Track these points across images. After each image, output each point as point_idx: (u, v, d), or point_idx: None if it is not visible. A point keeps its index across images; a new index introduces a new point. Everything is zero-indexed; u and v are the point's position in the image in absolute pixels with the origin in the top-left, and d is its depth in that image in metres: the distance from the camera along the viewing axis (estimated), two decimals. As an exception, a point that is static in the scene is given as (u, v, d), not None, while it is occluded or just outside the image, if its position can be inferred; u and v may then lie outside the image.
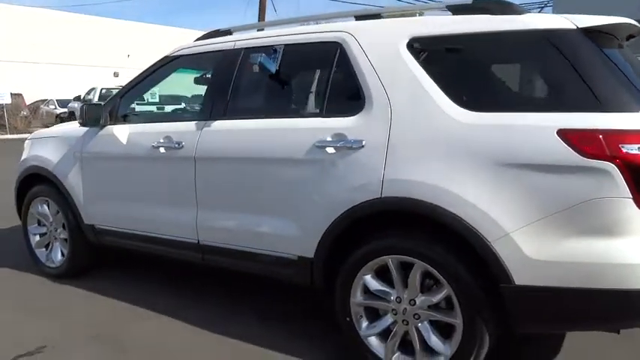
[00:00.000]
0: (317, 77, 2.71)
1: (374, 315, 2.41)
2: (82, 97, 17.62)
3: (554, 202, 1.91)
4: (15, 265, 3.96)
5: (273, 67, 2.62)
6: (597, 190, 1.86)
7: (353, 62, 2.40)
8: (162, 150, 2.94)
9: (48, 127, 16.50)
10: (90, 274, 3.72)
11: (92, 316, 3.08)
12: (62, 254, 3.73)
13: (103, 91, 17.13)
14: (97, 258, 3.76)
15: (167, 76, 3.26)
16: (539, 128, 1.94)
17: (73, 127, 3.64)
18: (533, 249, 1.94)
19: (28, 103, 21.11)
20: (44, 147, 3.70)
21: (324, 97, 2.48)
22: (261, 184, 2.59)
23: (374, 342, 2.38)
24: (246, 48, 2.80)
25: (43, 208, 3.76)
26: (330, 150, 2.34)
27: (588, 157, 1.85)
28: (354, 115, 2.34)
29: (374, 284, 2.32)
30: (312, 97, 2.67)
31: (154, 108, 3.77)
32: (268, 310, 3.10)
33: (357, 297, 2.38)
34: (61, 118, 20.11)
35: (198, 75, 3.73)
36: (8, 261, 4.06)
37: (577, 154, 1.87)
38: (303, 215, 2.46)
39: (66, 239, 3.67)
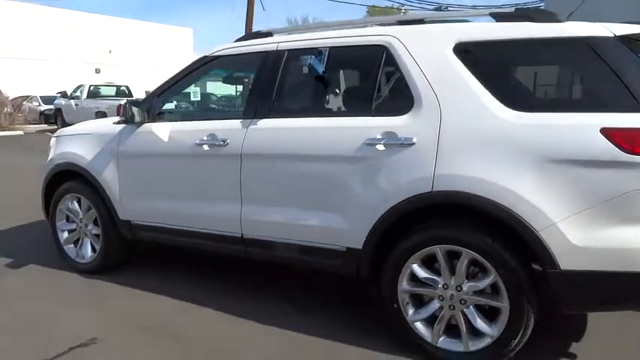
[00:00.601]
0: (363, 78, 2.86)
1: (419, 302, 2.58)
2: (68, 94, 17.36)
3: (598, 193, 2.11)
4: (45, 262, 3.98)
5: (320, 69, 2.75)
6: (637, 182, 2.05)
7: (400, 65, 2.55)
8: (205, 147, 3.04)
9: (32, 124, 16.21)
10: (122, 269, 3.79)
11: (135, 308, 3.17)
12: (93, 250, 3.80)
13: (92, 88, 16.94)
14: (128, 254, 3.83)
15: (204, 76, 3.36)
16: (584, 127, 2.13)
17: (106, 124, 3.71)
18: (578, 236, 2.13)
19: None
20: (75, 144, 3.75)
21: (372, 97, 2.64)
22: (310, 179, 2.73)
23: (420, 327, 2.54)
24: (290, 50, 2.93)
25: (73, 204, 3.81)
26: (380, 147, 2.50)
27: (629, 153, 2.05)
28: (403, 114, 2.50)
29: (421, 272, 2.49)
30: (359, 97, 2.81)
31: (193, 106, 3.85)
32: (311, 301, 3.23)
33: (404, 285, 2.54)
34: (45, 115, 19.76)
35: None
36: (37, 259, 4.08)
37: (619, 150, 2.06)
38: (353, 209, 2.60)
39: (97, 235, 3.74)
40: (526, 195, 2.19)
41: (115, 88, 18.01)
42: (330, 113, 2.85)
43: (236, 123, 2.99)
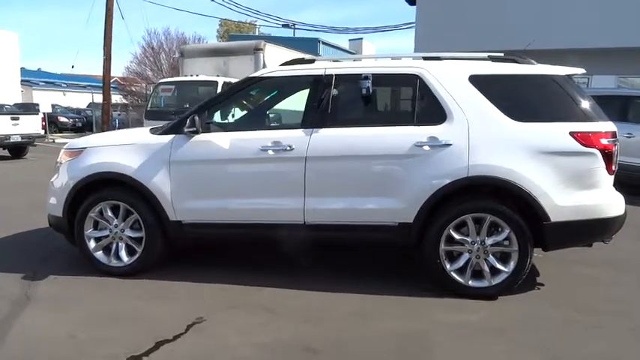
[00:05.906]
0: (403, 97, 3.83)
1: (451, 257, 3.62)
2: None
3: (568, 171, 3.41)
4: (80, 270, 4.10)
5: (369, 89, 3.64)
6: (590, 163, 3.42)
7: (432, 89, 3.60)
8: (270, 152, 3.69)
9: None
10: (156, 271, 4.03)
11: (209, 296, 3.61)
12: (129, 253, 4.03)
13: None
14: (166, 254, 4.14)
15: (250, 94, 3.98)
16: (559, 131, 3.43)
17: (145, 135, 4.06)
18: (560, 199, 3.40)
19: None
20: (114, 154, 3.97)
21: (413, 112, 3.64)
22: (368, 173, 3.59)
23: (455, 275, 3.59)
24: (337, 74, 3.77)
25: (106, 211, 4.01)
26: (426, 147, 3.50)
27: (585, 146, 3.39)
28: (440, 124, 3.54)
29: (456, 235, 3.55)
30: (402, 111, 3.77)
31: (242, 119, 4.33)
32: (350, 270, 4.06)
33: (443, 245, 3.57)
34: None
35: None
36: (65, 267, 4.16)
37: (580, 145, 3.39)
38: (405, 193, 3.54)
39: (135, 238, 4.00)
40: (528, 175, 3.40)
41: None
42: (380, 123, 3.76)
43: (298, 132, 3.71)
